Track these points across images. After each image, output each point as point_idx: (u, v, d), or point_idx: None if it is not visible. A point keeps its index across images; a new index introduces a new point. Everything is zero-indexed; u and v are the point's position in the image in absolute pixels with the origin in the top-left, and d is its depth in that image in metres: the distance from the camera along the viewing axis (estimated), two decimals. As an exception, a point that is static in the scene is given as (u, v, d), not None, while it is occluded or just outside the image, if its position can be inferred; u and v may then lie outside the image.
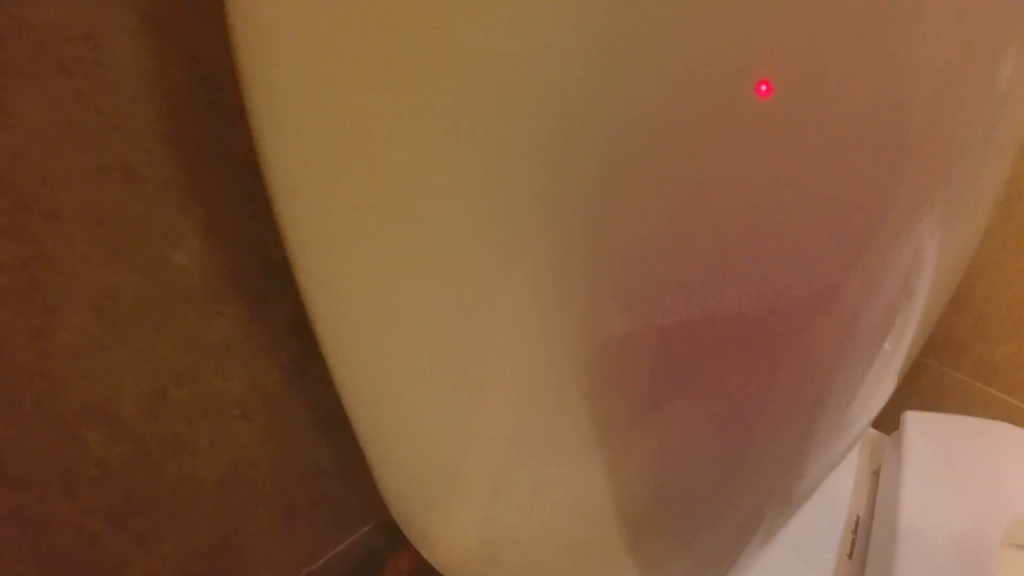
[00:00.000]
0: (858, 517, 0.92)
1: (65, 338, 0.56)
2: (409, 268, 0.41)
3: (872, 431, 1.08)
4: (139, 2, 0.51)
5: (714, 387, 0.45)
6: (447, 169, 0.37)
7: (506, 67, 0.35)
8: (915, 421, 0.96)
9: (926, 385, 1.26)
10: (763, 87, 0.33)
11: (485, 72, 0.35)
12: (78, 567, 0.66)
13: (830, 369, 0.45)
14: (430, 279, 0.41)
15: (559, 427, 0.48)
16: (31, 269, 0.52)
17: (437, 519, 0.61)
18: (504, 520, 0.57)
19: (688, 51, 0.32)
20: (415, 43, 0.35)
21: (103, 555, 0.67)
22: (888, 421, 0.95)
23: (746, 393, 0.45)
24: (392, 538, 0.92)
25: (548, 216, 0.38)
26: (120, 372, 0.59)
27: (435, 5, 0.34)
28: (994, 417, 1.03)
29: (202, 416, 0.64)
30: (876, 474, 0.97)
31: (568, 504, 0.54)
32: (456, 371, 0.46)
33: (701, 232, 0.39)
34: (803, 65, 0.33)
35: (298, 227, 0.48)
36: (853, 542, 0.89)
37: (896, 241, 0.40)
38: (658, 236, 0.39)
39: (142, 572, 0.69)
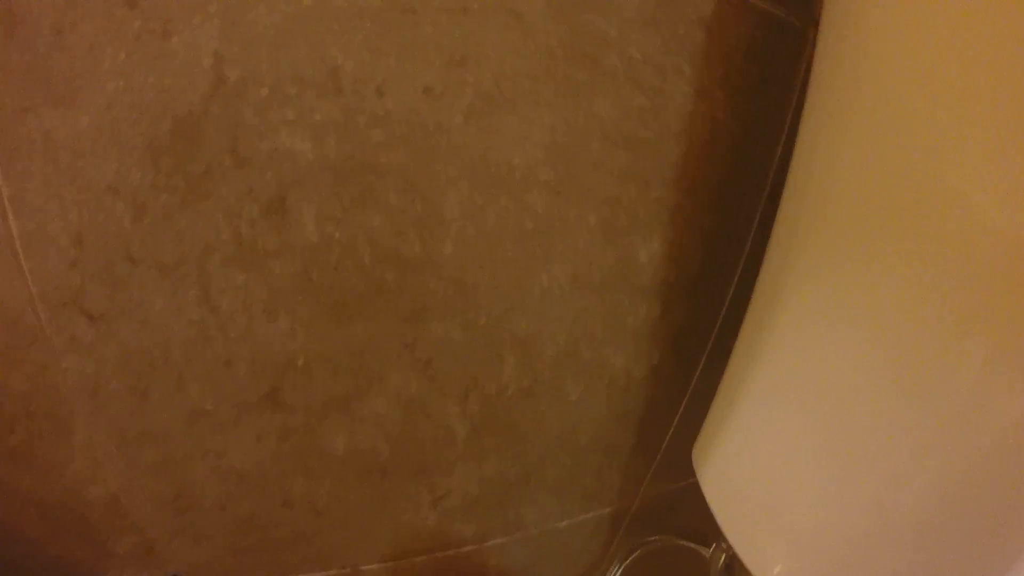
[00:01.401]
0: None
1: (543, 283, 0.57)
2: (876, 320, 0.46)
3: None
4: (694, 51, 0.56)
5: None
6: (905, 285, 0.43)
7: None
8: None
9: None
10: None
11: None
12: (424, 455, 0.69)
13: None
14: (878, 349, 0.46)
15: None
16: (539, 229, 0.58)
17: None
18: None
19: None
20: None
21: (448, 455, 0.69)
22: None
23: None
24: (620, 523, 0.93)
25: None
26: (557, 322, 0.61)
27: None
28: None
29: (584, 375, 0.65)
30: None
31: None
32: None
33: None
34: None
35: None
36: None
37: None
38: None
39: (463, 478, 0.71)
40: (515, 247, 0.56)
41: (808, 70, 0.55)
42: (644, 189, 0.58)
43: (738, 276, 0.70)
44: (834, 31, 0.48)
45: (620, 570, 0.89)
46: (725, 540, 0.70)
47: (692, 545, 0.77)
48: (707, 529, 0.73)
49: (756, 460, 0.62)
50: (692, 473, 0.71)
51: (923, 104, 0.40)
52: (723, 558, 0.74)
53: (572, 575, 0.97)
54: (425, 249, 0.55)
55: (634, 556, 0.90)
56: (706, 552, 0.76)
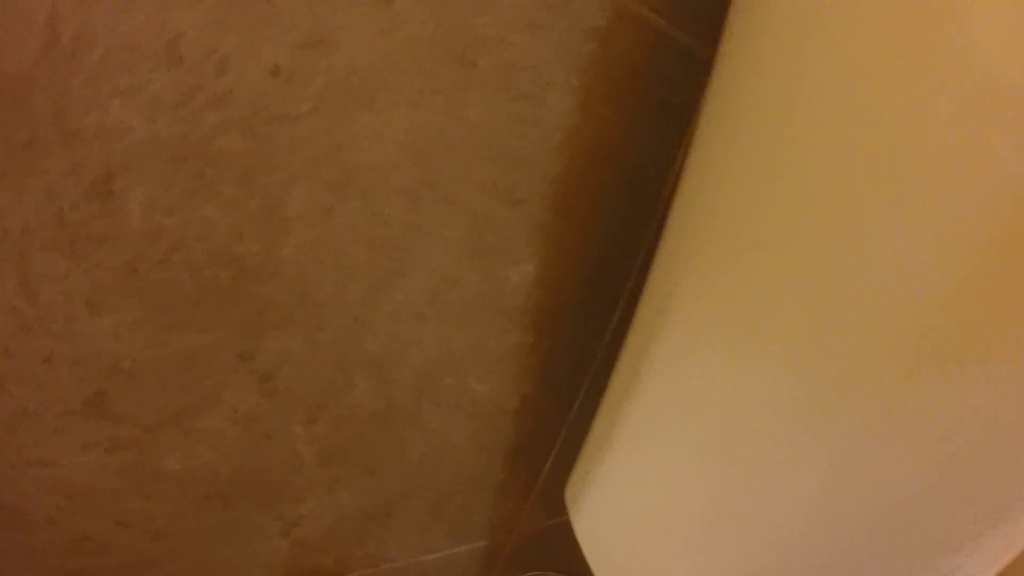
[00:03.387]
0: None
1: (397, 299, 0.49)
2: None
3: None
4: (583, 64, 0.48)
5: None
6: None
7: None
8: None
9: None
10: None
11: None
12: (270, 482, 0.59)
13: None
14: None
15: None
16: (393, 239, 0.50)
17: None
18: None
19: None
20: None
21: (297, 481, 0.60)
22: None
23: None
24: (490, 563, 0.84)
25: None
26: (414, 344, 0.52)
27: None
28: None
29: (446, 405, 0.56)
30: None
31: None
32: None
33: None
34: None
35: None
36: None
37: None
38: None
39: (316, 506, 0.62)
40: (365, 256, 0.48)
41: (696, 100, 0.49)
42: (516, 206, 0.51)
43: (620, 308, 0.63)
44: (732, 59, 0.43)
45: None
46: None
47: (570, 582, 0.69)
48: (587, 566, 0.66)
49: (629, 503, 0.57)
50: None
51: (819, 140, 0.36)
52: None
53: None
54: (264, 250, 0.46)
55: (511, 592, 0.81)
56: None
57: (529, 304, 0.59)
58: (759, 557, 0.47)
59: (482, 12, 0.44)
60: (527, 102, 0.48)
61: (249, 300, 0.49)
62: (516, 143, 0.49)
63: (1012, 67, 0.26)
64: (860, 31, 0.32)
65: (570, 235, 0.57)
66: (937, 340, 0.33)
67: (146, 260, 0.48)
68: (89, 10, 0.41)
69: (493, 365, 0.61)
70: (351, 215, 0.47)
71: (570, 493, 0.65)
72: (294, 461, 0.59)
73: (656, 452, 0.53)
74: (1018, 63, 0.26)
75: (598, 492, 0.60)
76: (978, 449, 0.35)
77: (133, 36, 0.42)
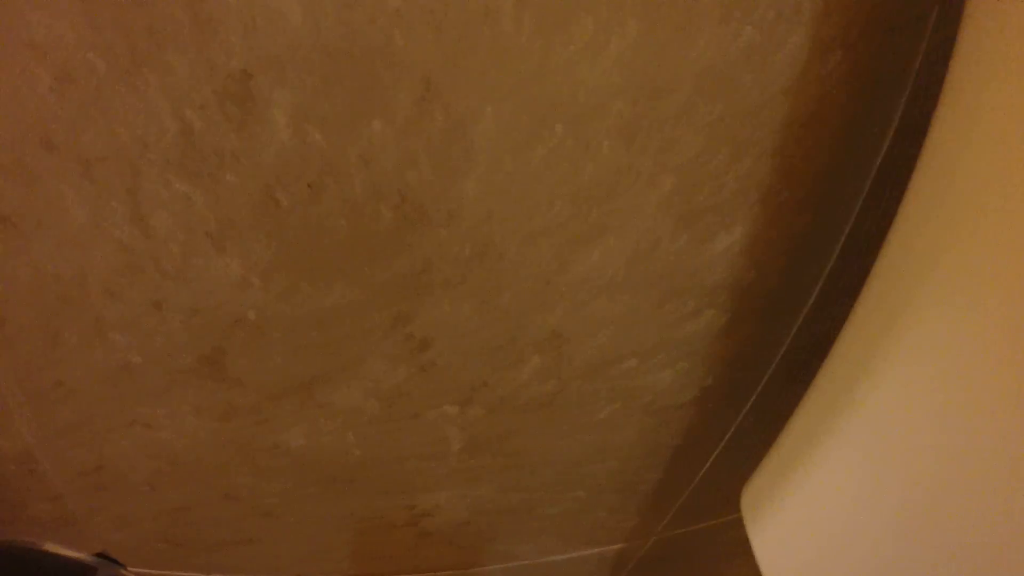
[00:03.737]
0: None
1: (592, 260, 0.37)
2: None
3: None
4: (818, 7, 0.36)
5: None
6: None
7: None
8: None
9: None
10: None
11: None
12: (407, 467, 0.50)
13: None
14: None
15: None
16: (600, 182, 0.38)
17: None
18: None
19: None
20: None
21: (435, 469, 0.49)
22: None
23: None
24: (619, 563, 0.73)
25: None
26: (600, 317, 0.41)
27: None
28: None
29: (621, 393, 0.45)
30: None
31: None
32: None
33: None
34: None
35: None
36: None
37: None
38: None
39: (452, 498, 0.52)
40: (564, 202, 0.36)
41: (929, 56, 0.39)
42: (736, 158, 0.39)
43: (818, 290, 0.50)
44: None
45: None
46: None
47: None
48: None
49: (837, 526, 0.48)
50: (715, 515, 0.61)
51: None
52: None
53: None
54: (441, 182, 0.34)
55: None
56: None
57: (728, 279, 0.47)
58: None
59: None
60: (755, 36, 0.36)
61: (415, 248, 0.38)
62: (742, 83, 0.37)
63: None
64: None
65: (785, 197, 0.45)
66: None
67: (289, 187, 0.37)
68: None
69: (680, 349, 0.49)
70: (553, 148, 0.35)
71: (749, 499, 0.56)
72: (440, 447, 0.49)
73: (870, 479, 0.44)
74: None
75: (794, 505, 0.51)
76: None
77: None
